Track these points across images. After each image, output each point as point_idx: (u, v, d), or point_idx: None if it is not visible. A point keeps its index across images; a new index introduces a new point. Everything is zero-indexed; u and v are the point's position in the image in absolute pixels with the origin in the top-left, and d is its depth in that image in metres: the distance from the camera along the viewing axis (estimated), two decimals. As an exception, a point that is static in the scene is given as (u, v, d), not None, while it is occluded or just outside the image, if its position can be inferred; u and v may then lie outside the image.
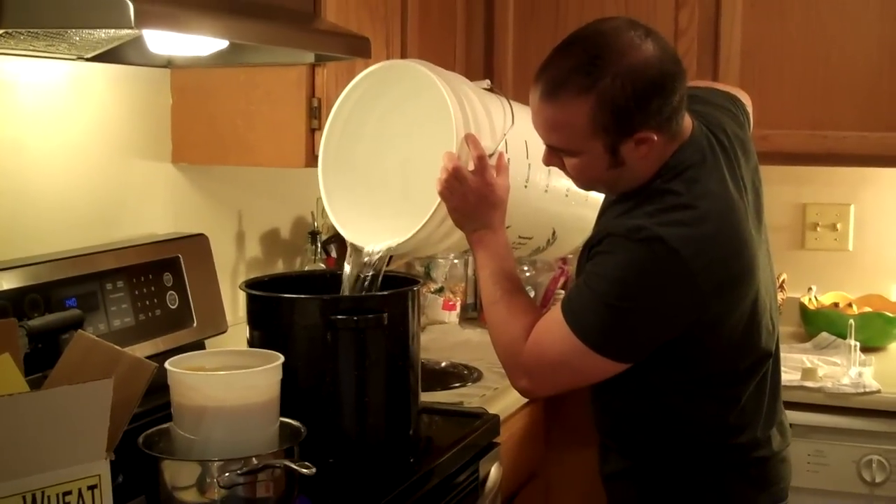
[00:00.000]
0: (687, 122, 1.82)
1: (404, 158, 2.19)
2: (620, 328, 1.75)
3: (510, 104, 2.10)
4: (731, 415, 1.88)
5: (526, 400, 2.58)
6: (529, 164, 2.12)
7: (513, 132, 2.04)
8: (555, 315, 1.81)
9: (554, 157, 1.83)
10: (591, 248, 1.82)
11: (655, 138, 1.73)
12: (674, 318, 1.75)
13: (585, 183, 1.88)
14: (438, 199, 1.94)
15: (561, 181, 2.13)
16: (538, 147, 1.89)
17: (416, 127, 2.14)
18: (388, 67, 2.14)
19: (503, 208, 1.96)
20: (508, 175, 1.98)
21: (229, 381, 1.73)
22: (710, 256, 1.71)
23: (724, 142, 1.88)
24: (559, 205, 2.23)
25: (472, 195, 1.92)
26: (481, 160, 1.92)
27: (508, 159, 2.01)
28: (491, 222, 1.95)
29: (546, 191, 2.17)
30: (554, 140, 1.79)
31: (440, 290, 3.21)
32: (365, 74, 2.12)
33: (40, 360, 1.80)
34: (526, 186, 2.13)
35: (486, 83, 2.17)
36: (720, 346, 1.82)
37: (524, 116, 1.96)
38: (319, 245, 2.85)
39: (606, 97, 1.69)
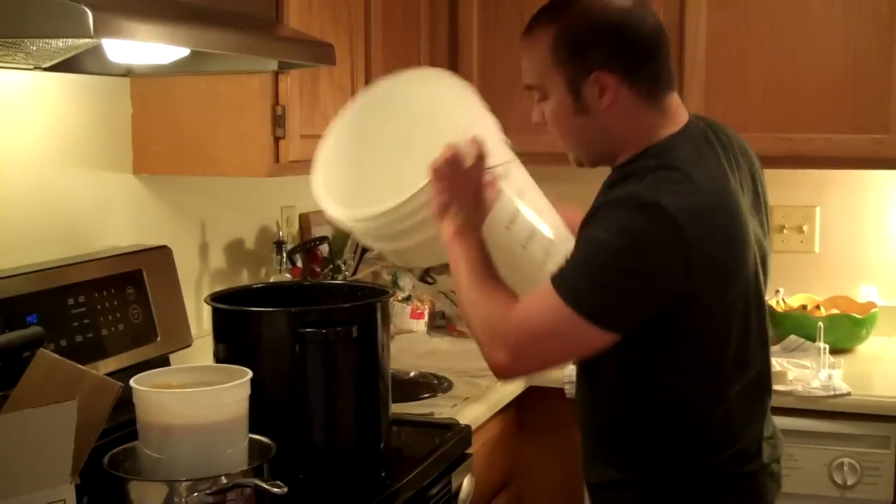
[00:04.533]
0: (682, 111, 1.84)
1: (406, 154, 2.04)
2: (610, 292, 1.70)
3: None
4: (718, 417, 1.84)
5: (497, 409, 2.56)
6: (518, 210, 2.02)
7: (510, 176, 1.99)
8: (544, 287, 1.75)
9: (536, 107, 1.87)
10: (584, 224, 1.78)
11: (615, 83, 1.75)
12: (663, 286, 1.70)
13: (561, 135, 1.87)
14: (424, 182, 1.86)
15: (539, 246, 2.02)
16: (531, 201, 1.93)
17: (429, 131, 2.02)
18: (423, 73, 2.13)
19: (484, 216, 1.90)
20: (495, 200, 1.92)
21: (196, 398, 1.70)
22: (704, 228, 1.69)
23: (724, 141, 1.87)
24: (530, 271, 2.00)
25: (463, 185, 1.86)
26: (480, 160, 1.88)
27: (500, 190, 1.94)
28: (474, 221, 1.87)
29: (524, 247, 2.02)
30: (526, 77, 1.86)
31: (408, 299, 3.18)
32: (395, 77, 2.08)
33: (0, 379, 1.75)
34: (507, 228, 2.00)
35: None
36: (709, 335, 1.79)
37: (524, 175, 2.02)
38: (285, 255, 2.82)
39: (566, 29, 1.77)
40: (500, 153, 1.99)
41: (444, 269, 2.03)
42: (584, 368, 1.93)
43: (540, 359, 1.81)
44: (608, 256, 1.69)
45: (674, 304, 1.73)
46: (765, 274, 1.92)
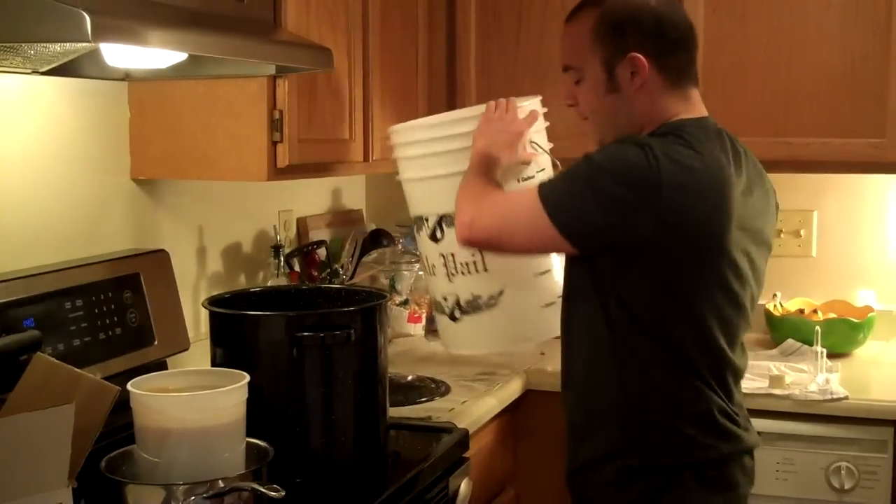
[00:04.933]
0: (702, 107, 2.03)
1: None
2: (574, 199, 1.88)
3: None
4: (688, 391, 1.94)
5: (494, 413, 2.56)
6: (533, 176, 2.30)
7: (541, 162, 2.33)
8: (530, 189, 1.98)
9: (569, 91, 2.07)
10: None
11: (647, 66, 1.94)
12: (625, 215, 1.84)
13: (591, 112, 2.05)
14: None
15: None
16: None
17: None
18: None
19: (509, 158, 2.15)
20: (524, 158, 2.22)
21: (193, 402, 1.70)
22: (685, 183, 1.84)
23: (740, 149, 2.00)
24: None
25: (507, 125, 2.17)
26: (530, 118, 2.22)
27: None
28: (498, 154, 2.14)
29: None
30: (565, 58, 2.06)
31: (405, 303, 3.18)
32: None
33: (-2, 383, 1.75)
34: (519, 182, 2.27)
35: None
36: (685, 309, 1.91)
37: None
38: (282, 259, 2.82)
39: (609, 12, 1.98)
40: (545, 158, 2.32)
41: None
42: (568, 340, 2.10)
43: (498, 229, 2.00)
44: (588, 170, 1.88)
45: (639, 249, 1.86)
46: (757, 287, 2.04)
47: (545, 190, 1.93)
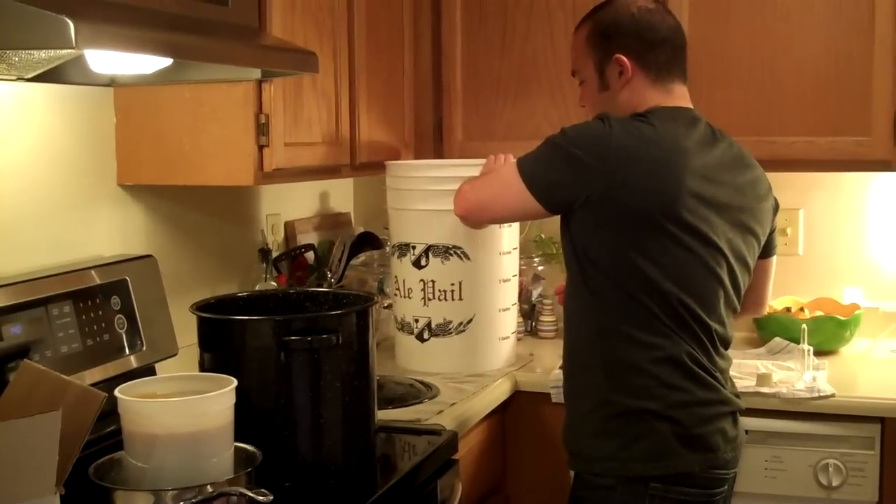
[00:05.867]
0: (687, 101, 2.26)
1: None
2: (543, 162, 2.17)
3: None
4: (658, 337, 2.13)
5: (484, 415, 2.57)
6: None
7: None
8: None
9: (579, 93, 2.37)
10: None
11: (630, 64, 2.21)
12: (581, 172, 2.11)
13: (591, 109, 2.31)
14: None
15: None
16: None
17: None
18: None
19: None
20: None
21: (181, 407, 1.70)
22: (633, 146, 2.11)
23: (717, 134, 2.24)
24: None
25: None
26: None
27: None
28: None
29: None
30: (573, 64, 2.36)
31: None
32: None
33: (-15, 391, 1.75)
34: None
35: None
36: (637, 261, 2.11)
37: None
38: (270, 263, 2.82)
39: (599, 21, 2.28)
40: None
41: (443, 252, 2.72)
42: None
43: (483, 192, 2.30)
44: (556, 138, 2.17)
45: (596, 206, 2.10)
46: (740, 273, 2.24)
47: (521, 158, 2.21)
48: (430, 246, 2.73)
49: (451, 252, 2.72)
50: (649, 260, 2.11)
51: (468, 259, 2.73)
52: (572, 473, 2.27)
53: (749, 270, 2.27)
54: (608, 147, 2.10)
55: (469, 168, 2.57)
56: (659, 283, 2.11)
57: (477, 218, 2.37)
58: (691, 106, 2.27)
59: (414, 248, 2.76)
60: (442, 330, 2.76)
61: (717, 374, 2.18)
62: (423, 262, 2.74)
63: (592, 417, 2.18)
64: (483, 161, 2.58)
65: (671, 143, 2.13)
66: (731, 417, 2.19)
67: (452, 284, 2.73)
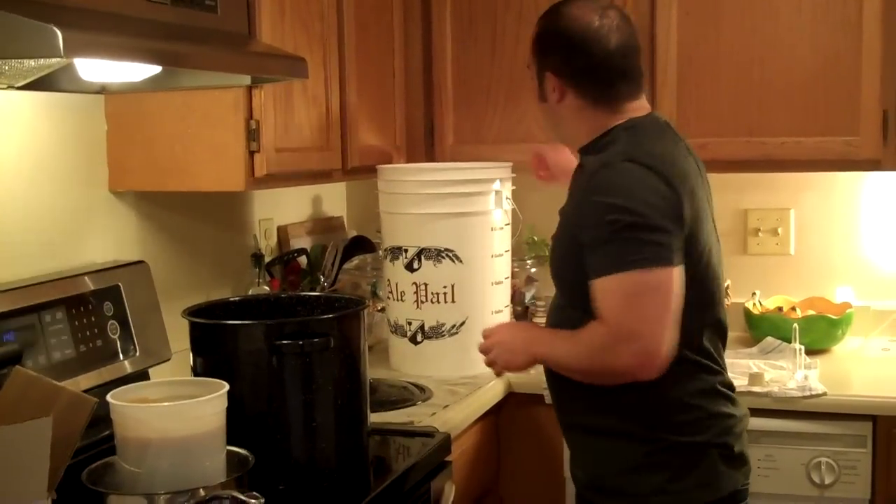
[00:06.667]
0: (644, 107, 2.12)
1: None
2: (638, 240, 1.90)
3: None
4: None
5: (477, 416, 2.58)
6: None
7: None
8: (598, 286, 1.95)
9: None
10: (573, 215, 2.04)
11: (561, 86, 2.08)
12: (666, 213, 1.92)
13: (540, 114, 2.26)
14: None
15: None
16: None
17: None
18: None
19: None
20: None
21: (172, 412, 1.71)
22: (666, 161, 1.99)
23: (679, 136, 2.13)
24: None
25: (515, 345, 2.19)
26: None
27: None
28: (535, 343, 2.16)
29: None
30: (528, 55, 2.19)
31: (387, 309, 3.19)
32: None
33: (-22, 397, 1.76)
34: None
35: None
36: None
37: None
38: (263, 268, 2.82)
39: (540, 31, 2.14)
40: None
41: (435, 255, 2.73)
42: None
43: (652, 324, 1.91)
44: (619, 215, 1.91)
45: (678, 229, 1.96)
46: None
47: (621, 265, 1.91)
48: (422, 249, 2.75)
49: (444, 255, 2.73)
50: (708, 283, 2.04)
51: (460, 262, 2.74)
52: (574, 491, 2.21)
53: None
54: (662, 176, 1.95)
55: (460, 171, 2.57)
56: (690, 312, 1.99)
57: (663, 364, 1.96)
58: (650, 110, 2.15)
59: (406, 251, 2.77)
60: (435, 332, 2.78)
61: (733, 387, 2.16)
62: (415, 266, 2.76)
63: (629, 454, 2.06)
64: (478, 164, 2.57)
65: (680, 169, 2.03)
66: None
67: (445, 287, 2.75)
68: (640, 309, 1.91)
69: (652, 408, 2.03)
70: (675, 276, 1.93)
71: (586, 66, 2.06)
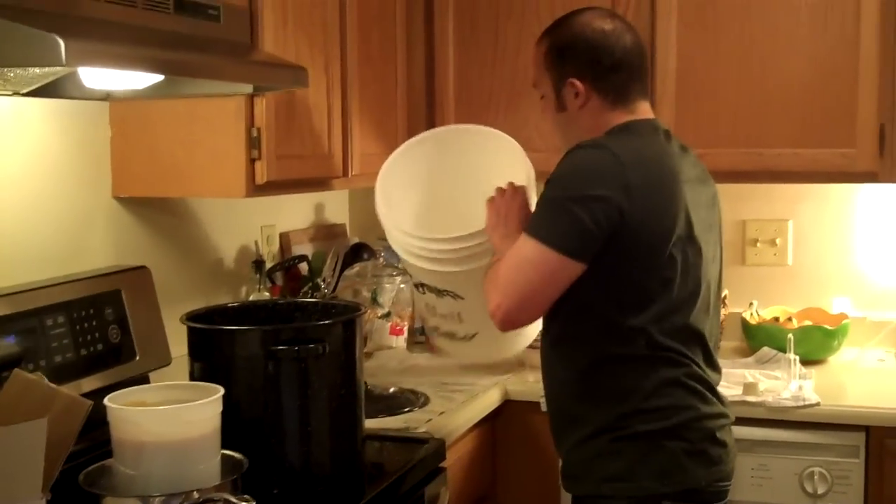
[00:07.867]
0: (649, 112, 2.20)
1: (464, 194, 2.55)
2: (564, 218, 2.01)
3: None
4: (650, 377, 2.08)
5: (473, 423, 2.60)
6: None
7: None
8: (520, 238, 2.08)
9: (541, 103, 2.27)
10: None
11: (585, 89, 2.15)
12: (607, 207, 2.00)
13: (551, 127, 2.28)
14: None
15: None
16: None
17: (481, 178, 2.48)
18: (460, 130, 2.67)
19: (519, 232, 2.16)
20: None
21: (168, 415, 1.73)
22: (641, 161, 2.05)
23: (682, 146, 2.20)
24: None
25: (516, 208, 2.26)
26: (521, 196, 2.31)
27: None
28: (512, 234, 2.18)
29: None
30: (533, 76, 2.27)
31: (387, 316, 3.21)
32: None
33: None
34: None
35: None
36: (652, 283, 2.06)
37: None
38: (264, 274, 2.85)
39: (555, 41, 2.20)
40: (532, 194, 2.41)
41: (435, 290, 2.52)
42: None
43: (523, 294, 2.06)
44: (562, 188, 2.03)
45: (615, 233, 2.00)
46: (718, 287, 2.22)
47: (536, 230, 2.04)
48: (422, 283, 2.59)
49: (444, 293, 2.57)
50: (656, 283, 2.07)
51: (461, 298, 2.54)
52: (570, 497, 2.22)
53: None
54: (624, 171, 2.02)
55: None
56: (664, 307, 2.07)
57: (523, 323, 2.19)
58: (653, 117, 2.23)
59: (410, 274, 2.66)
60: (451, 336, 2.64)
61: (714, 388, 2.17)
62: (420, 290, 2.62)
63: (595, 442, 2.13)
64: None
65: (662, 156, 2.12)
66: (729, 429, 2.19)
67: (451, 310, 2.57)
68: (518, 273, 2.05)
69: (621, 395, 2.09)
70: (565, 266, 2.02)
71: (611, 64, 2.15)
